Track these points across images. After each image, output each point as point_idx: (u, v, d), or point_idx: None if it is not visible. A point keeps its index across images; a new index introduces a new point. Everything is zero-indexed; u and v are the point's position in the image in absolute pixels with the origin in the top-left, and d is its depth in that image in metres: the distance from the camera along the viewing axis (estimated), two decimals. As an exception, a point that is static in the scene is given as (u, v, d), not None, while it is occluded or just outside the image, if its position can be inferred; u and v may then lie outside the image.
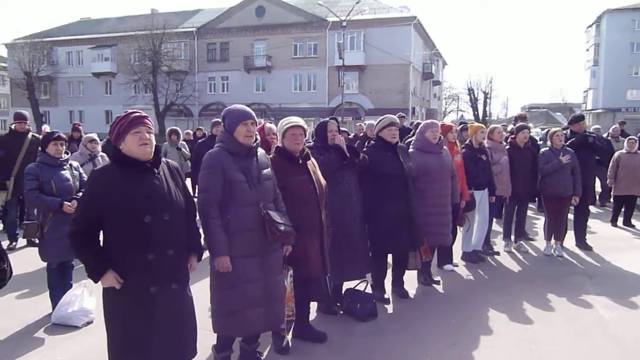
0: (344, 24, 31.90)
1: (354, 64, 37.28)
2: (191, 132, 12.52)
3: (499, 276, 6.02)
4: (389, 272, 5.20)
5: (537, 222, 8.72)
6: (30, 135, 7.04)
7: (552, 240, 6.90)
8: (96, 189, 2.75)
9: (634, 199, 9.11)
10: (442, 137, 5.51)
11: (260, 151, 3.45)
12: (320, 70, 39.90)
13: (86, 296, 4.47)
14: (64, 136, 4.59)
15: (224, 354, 3.54)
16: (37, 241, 4.72)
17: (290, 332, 3.97)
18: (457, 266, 6.26)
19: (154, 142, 2.87)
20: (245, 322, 3.25)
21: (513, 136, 7.14)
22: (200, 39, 42.97)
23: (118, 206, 2.67)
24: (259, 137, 3.44)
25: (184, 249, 2.92)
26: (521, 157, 6.87)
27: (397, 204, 4.73)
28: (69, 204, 4.29)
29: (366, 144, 5.59)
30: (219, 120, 3.77)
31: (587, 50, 53.39)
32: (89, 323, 4.40)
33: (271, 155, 3.74)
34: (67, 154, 4.66)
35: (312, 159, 3.92)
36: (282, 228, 3.25)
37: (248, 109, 3.36)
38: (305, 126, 3.84)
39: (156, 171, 2.83)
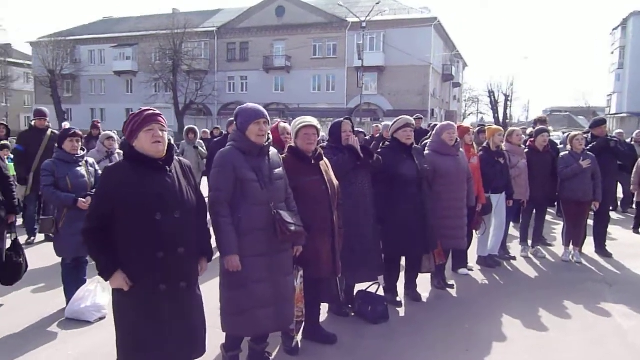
0: (364, 24, 31.86)
1: (373, 65, 37.21)
2: (208, 131, 12.59)
3: (515, 281, 5.92)
4: (402, 274, 5.15)
5: (556, 228, 8.57)
6: (49, 131, 7.14)
7: (571, 246, 6.77)
8: (108, 186, 2.76)
9: (657, 206, 8.88)
10: (458, 139, 5.45)
11: (273, 150, 3.44)
12: (339, 71, 39.84)
13: (99, 292, 4.52)
14: (79, 133, 4.63)
15: (232, 353, 3.53)
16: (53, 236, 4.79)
17: (300, 333, 3.95)
18: (472, 270, 6.18)
19: (167, 140, 2.87)
20: (254, 322, 3.24)
21: (532, 139, 7.03)
22: (221, 38, 43.26)
23: (129, 203, 2.68)
24: (271, 137, 3.43)
25: (194, 247, 2.91)
26: (540, 161, 6.75)
27: (411, 206, 4.69)
28: (83, 200, 4.33)
29: (381, 145, 5.55)
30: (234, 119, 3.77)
31: (612, 53, 52.36)
32: (101, 318, 4.44)
33: (284, 155, 3.73)
34: (83, 150, 4.70)
35: (325, 159, 3.90)
36: (292, 228, 3.23)
37: (260, 107, 3.34)
38: (319, 126, 3.81)
39: (168, 169, 2.83)
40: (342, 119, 4.39)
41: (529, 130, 9.78)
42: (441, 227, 5.04)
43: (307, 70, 40.54)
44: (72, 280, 4.62)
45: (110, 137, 6.32)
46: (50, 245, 4.66)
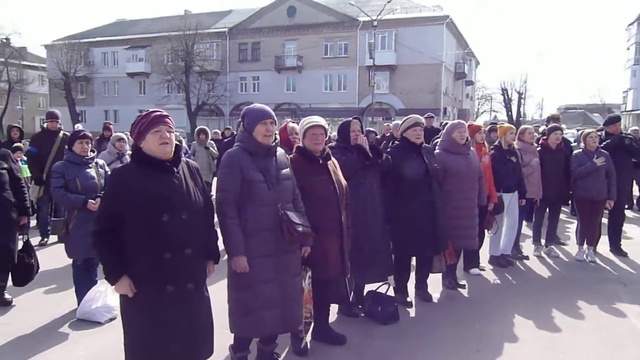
0: (375, 23, 31.75)
1: (385, 64, 37.11)
2: (219, 132, 12.64)
3: (527, 281, 5.85)
4: (413, 274, 5.11)
5: (570, 226, 8.46)
6: (61, 133, 7.20)
7: (585, 246, 6.68)
8: (116, 187, 2.77)
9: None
10: (469, 138, 5.39)
11: (280, 151, 3.42)
12: (350, 70, 39.78)
13: (110, 293, 4.53)
14: (89, 135, 4.66)
15: (240, 354, 3.53)
16: (65, 238, 4.82)
17: (309, 334, 3.93)
18: (484, 270, 6.12)
19: (174, 142, 2.87)
20: (261, 323, 3.22)
21: (545, 137, 6.95)
22: (232, 39, 43.42)
23: (136, 204, 2.68)
24: (278, 137, 3.42)
25: (201, 249, 2.90)
26: (553, 159, 6.67)
27: (421, 206, 4.64)
28: (93, 201, 4.35)
29: (390, 144, 5.52)
30: (243, 120, 3.76)
31: (628, 49, 51.63)
32: (112, 319, 4.46)
33: (291, 155, 3.72)
34: (93, 152, 4.73)
35: (333, 159, 3.88)
36: (299, 229, 3.22)
37: (267, 108, 3.33)
38: (326, 126, 3.79)
39: (175, 170, 2.83)
40: (350, 118, 4.36)
41: (541, 128, 9.67)
42: (452, 226, 4.99)
43: (318, 69, 40.52)
44: (83, 281, 4.65)
45: (121, 139, 6.36)
46: (62, 246, 4.70)
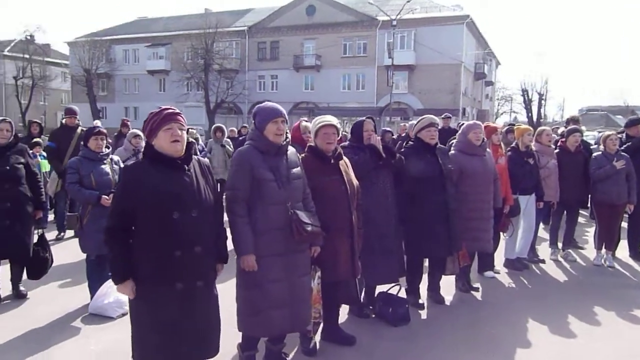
0: (395, 23, 31.58)
1: (404, 64, 36.86)
2: (236, 130, 12.69)
3: (543, 285, 5.76)
4: (425, 276, 5.06)
5: (589, 230, 8.31)
6: (79, 129, 7.29)
7: (603, 250, 6.56)
8: (127, 184, 2.78)
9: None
10: (485, 139, 5.33)
11: (291, 150, 3.41)
12: (369, 70, 39.66)
13: (122, 288, 4.57)
14: (104, 131, 4.71)
15: (249, 352, 3.53)
16: (81, 233, 4.87)
17: (319, 334, 3.92)
18: (498, 273, 6.04)
19: (186, 139, 2.87)
20: (269, 323, 3.22)
21: (564, 139, 6.83)
22: (251, 37, 43.60)
23: (147, 201, 2.69)
24: (289, 136, 3.41)
25: (211, 247, 2.90)
26: (571, 162, 6.55)
27: (434, 207, 4.60)
28: (106, 197, 4.40)
29: (405, 144, 5.47)
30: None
31: (653, 50, 50.62)
32: (123, 314, 4.48)
33: (303, 154, 3.70)
34: (108, 148, 4.78)
35: (345, 158, 3.86)
36: (309, 228, 3.20)
37: (279, 106, 3.32)
38: (338, 125, 3.77)
39: (186, 168, 2.83)
40: (364, 118, 4.34)
41: (560, 130, 9.52)
42: (467, 228, 4.94)
43: (337, 69, 40.48)
44: (96, 276, 4.70)
45: (137, 135, 6.41)
46: (77, 241, 4.76)
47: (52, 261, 5.02)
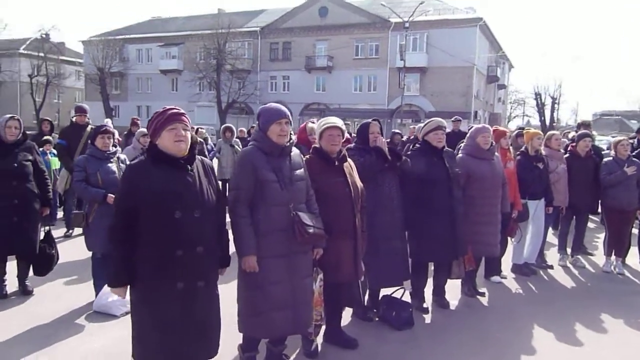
0: (407, 24, 31.49)
1: (416, 66, 36.75)
2: (245, 130, 12.72)
3: (550, 291, 5.69)
4: (430, 280, 5.02)
5: (599, 236, 8.20)
6: (89, 128, 7.33)
7: (613, 257, 6.47)
8: (130, 183, 2.78)
9: None
10: (494, 143, 5.28)
11: (295, 151, 3.40)
12: (381, 71, 39.54)
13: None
14: (111, 130, 4.74)
15: (249, 354, 3.52)
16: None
17: (321, 336, 3.90)
18: (505, 278, 5.97)
19: (190, 139, 2.87)
20: (270, 324, 3.21)
21: (574, 144, 6.75)
22: (264, 38, 43.70)
23: (149, 200, 2.69)
24: (293, 137, 3.39)
25: (213, 247, 2.90)
26: (581, 167, 6.47)
27: (441, 210, 4.56)
28: (112, 195, 4.40)
29: (412, 146, 5.44)
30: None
31: (669, 54, 50.01)
32: (127, 313, 4.47)
33: (307, 156, 3.69)
34: (115, 147, 4.80)
35: (350, 160, 3.84)
36: (310, 230, 3.18)
37: (283, 107, 3.31)
38: (343, 127, 3.75)
39: (189, 168, 2.83)
40: (369, 120, 4.32)
41: (571, 134, 9.42)
42: (474, 232, 4.90)
43: (348, 70, 40.44)
44: (101, 274, 4.69)
45: (145, 134, 6.42)
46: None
47: (58, 258, 5.06)
